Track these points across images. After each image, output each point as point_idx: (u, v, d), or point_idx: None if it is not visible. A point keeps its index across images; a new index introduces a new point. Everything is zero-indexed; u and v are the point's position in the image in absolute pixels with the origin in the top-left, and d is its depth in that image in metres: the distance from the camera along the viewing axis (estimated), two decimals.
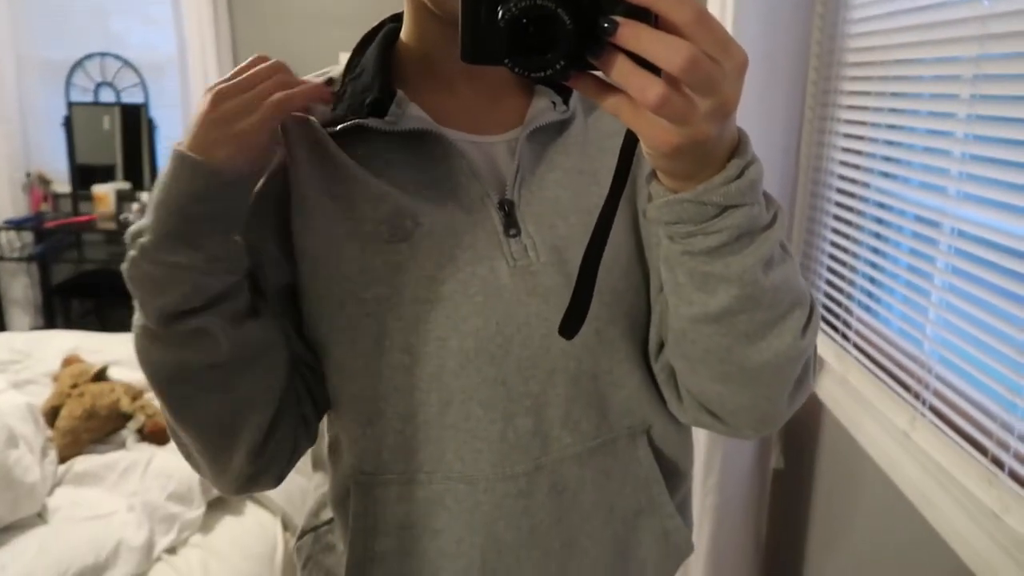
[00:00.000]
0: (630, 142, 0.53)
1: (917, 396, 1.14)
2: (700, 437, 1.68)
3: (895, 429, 1.18)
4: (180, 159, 0.55)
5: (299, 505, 1.65)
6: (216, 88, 0.56)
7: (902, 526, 1.18)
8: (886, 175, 1.28)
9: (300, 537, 0.75)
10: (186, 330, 0.57)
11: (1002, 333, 0.94)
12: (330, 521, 0.72)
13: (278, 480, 0.67)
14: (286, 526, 1.60)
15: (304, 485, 1.71)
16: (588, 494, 0.65)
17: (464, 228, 0.62)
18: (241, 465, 0.63)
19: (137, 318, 0.59)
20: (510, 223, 0.63)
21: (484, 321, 0.61)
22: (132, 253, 0.56)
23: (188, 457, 0.66)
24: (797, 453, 1.63)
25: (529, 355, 0.62)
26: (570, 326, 0.57)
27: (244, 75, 0.57)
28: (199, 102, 0.56)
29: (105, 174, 3.52)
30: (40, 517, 1.48)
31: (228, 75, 0.58)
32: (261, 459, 0.63)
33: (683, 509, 0.73)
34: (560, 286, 0.62)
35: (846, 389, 1.38)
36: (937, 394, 1.10)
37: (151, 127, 3.61)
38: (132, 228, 0.57)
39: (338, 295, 0.62)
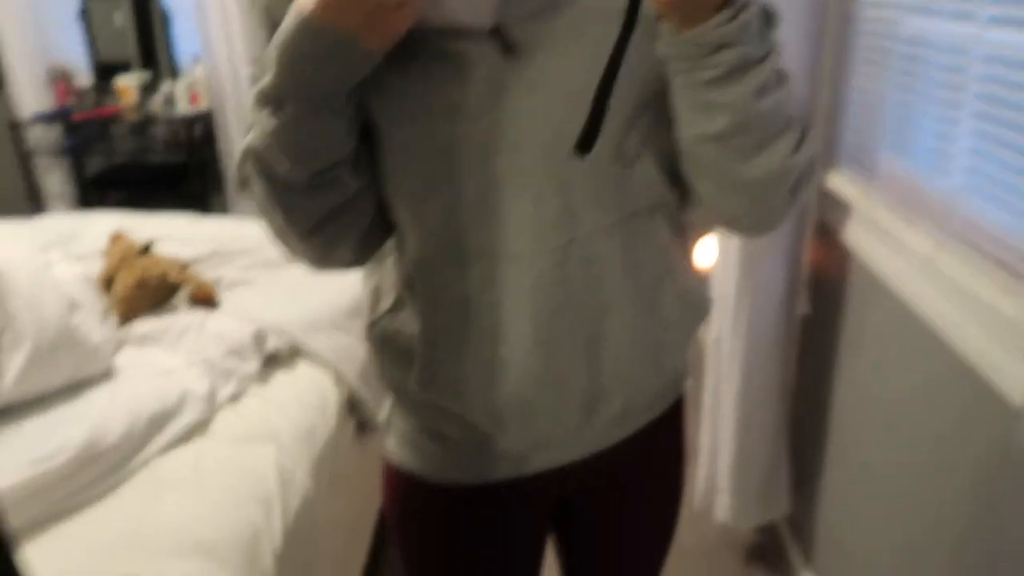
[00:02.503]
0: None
1: (942, 224, 1.17)
2: (729, 284, 1.73)
3: (920, 260, 1.22)
4: (336, 39, 0.61)
5: (346, 360, 1.74)
6: None
7: (927, 358, 1.23)
8: (915, 9, 1.26)
9: (371, 328, 0.82)
10: (326, 180, 0.69)
11: None
12: (391, 309, 0.79)
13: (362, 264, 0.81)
14: (337, 379, 1.69)
15: (350, 343, 1.80)
16: (617, 262, 0.74)
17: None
18: (340, 260, 0.77)
19: (270, 173, 0.68)
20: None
21: (511, 118, 0.68)
22: (276, 122, 0.64)
23: (291, 253, 0.78)
24: (824, 299, 1.68)
25: (552, 143, 0.68)
26: (585, 143, 0.64)
27: None
28: None
29: (121, 69, 3.52)
30: (107, 375, 1.58)
31: None
32: (356, 253, 0.76)
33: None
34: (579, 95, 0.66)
35: (872, 230, 1.40)
36: (964, 221, 1.12)
37: (165, 18, 3.57)
38: (267, 93, 0.64)
39: (397, 92, 0.69)
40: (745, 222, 0.76)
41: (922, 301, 1.20)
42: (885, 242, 1.35)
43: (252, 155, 0.69)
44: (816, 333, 1.73)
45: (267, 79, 0.64)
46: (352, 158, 0.70)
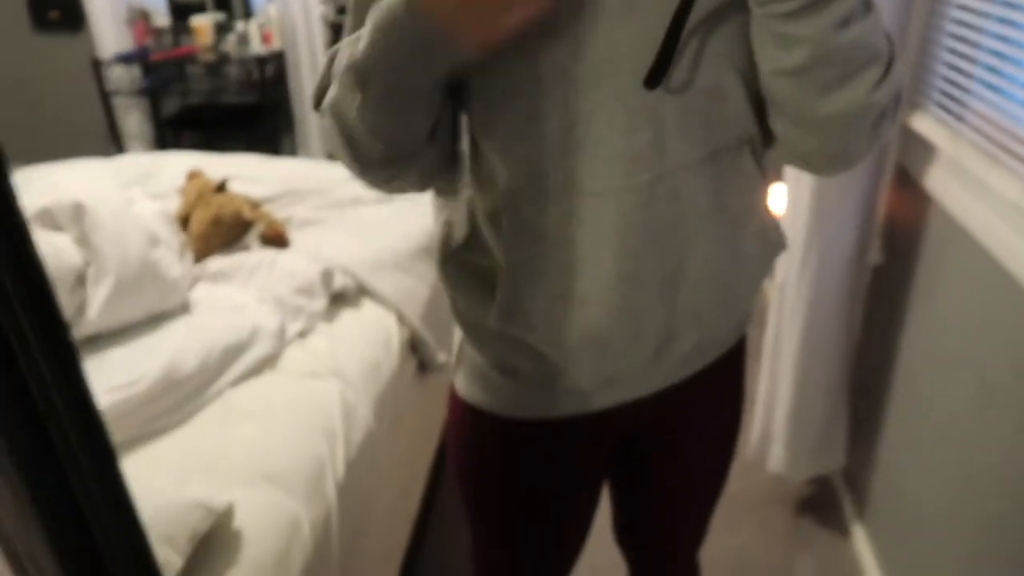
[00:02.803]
0: None
1: None
2: (798, 232, 1.68)
3: (1007, 205, 1.16)
4: (436, 33, 0.60)
5: (408, 301, 1.77)
6: None
7: (1007, 308, 1.18)
8: None
9: (445, 262, 0.82)
10: (402, 152, 0.70)
11: None
12: (466, 243, 0.80)
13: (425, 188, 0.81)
14: (400, 319, 1.73)
15: (414, 285, 1.83)
16: (703, 197, 0.73)
17: None
18: (400, 189, 0.77)
19: (348, 134, 0.68)
20: None
21: (601, 48, 0.66)
22: (360, 96, 0.64)
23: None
24: (898, 249, 1.62)
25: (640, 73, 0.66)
26: (654, 76, 0.64)
27: None
28: None
29: (196, 9, 3.57)
30: (184, 309, 1.65)
31: None
32: (419, 186, 0.78)
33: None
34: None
35: (957, 174, 1.34)
36: None
37: None
38: (356, 65, 0.63)
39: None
40: (822, 160, 0.73)
41: (1006, 249, 1.15)
42: (970, 188, 1.29)
43: (332, 111, 0.68)
44: (887, 284, 1.68)
45: (359, 48, 0.63)
46: (430, 130, 0.69)
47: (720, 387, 0.95)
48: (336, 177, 2.21)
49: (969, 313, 1.31)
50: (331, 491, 1.27)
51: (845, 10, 0.59)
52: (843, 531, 1.90)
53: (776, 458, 1.88)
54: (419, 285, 1.85)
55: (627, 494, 1.09)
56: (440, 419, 1.91)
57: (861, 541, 1.83)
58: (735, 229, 0.77)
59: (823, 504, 1.99)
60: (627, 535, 1.16)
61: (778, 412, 1.86)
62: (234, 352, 1.49)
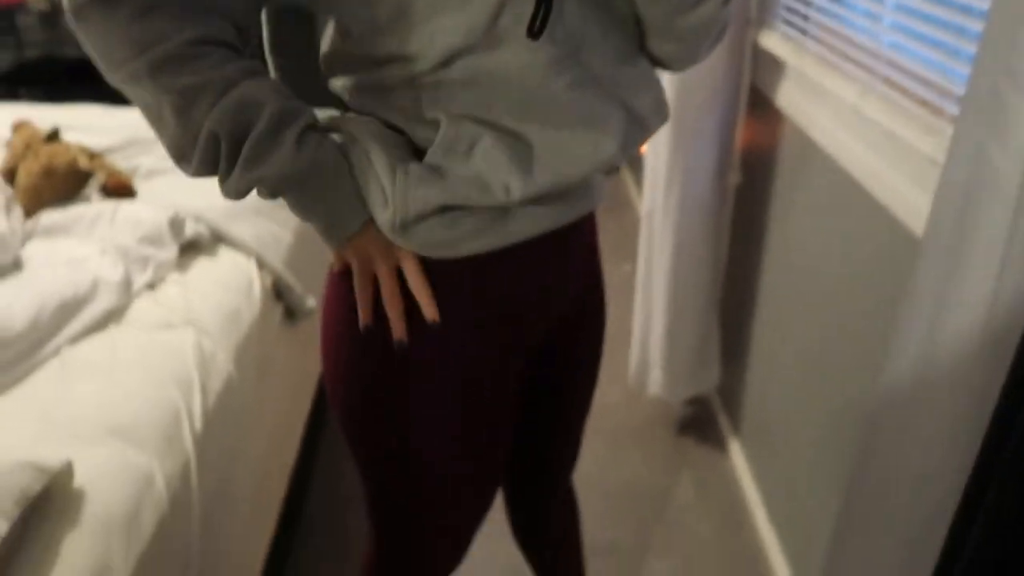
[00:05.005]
0: None
1: (870, 70, 1.14)
2: (661, 160, 1.69)
3: (847, 108, 1.19)
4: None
5: (270, 246, 1.68)
6: None
7: (851, 211, 1.22)
8: None
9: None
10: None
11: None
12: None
13: None
14: (260, 265, 1.64)
15: (274, 229, 1.74)
16: (598, 38, 0.72)
17: None
18: None
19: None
20: None
21: None
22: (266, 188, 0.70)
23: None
24: (757, 166, 1.66)
25: None
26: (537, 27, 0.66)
27: None
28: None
29: None
30: (16, 267, 1.50)
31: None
32: None
33: None
34: None
35: (804, 86, 1.37)
36: (889, 63, 1.09)
37: None
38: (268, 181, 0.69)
39: None
40: (675, 64, 0.81)
41: (847, 152, 1.19)
42: (815, 97, 1.32)
43: (181, 95, 0.65)
44: (749, 204, 1.72)
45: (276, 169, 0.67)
46: None
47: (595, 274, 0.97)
48: None
49: (819, 222, 1.36)
50: (188, 442, 1.19)
51: None
52: (721, 447, 1.98)
53: (655, 382, 1.93)
54: (282, 230, 1.76)
55: (530, 411, 1.05)
56: (314, 368, 1.84)
57: (737, 455, 1.91)
58: (633, 56, 0.77)
59: (702, 423, 2.06)
60: (516, 463, 1.13)
61: (653, 338, 1.89)
62: (72, 307, 1.36)
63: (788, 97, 1.44)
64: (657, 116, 0.80)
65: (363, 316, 0.77)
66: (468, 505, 0.94)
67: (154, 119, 0.67)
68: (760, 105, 1.62)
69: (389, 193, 0.70)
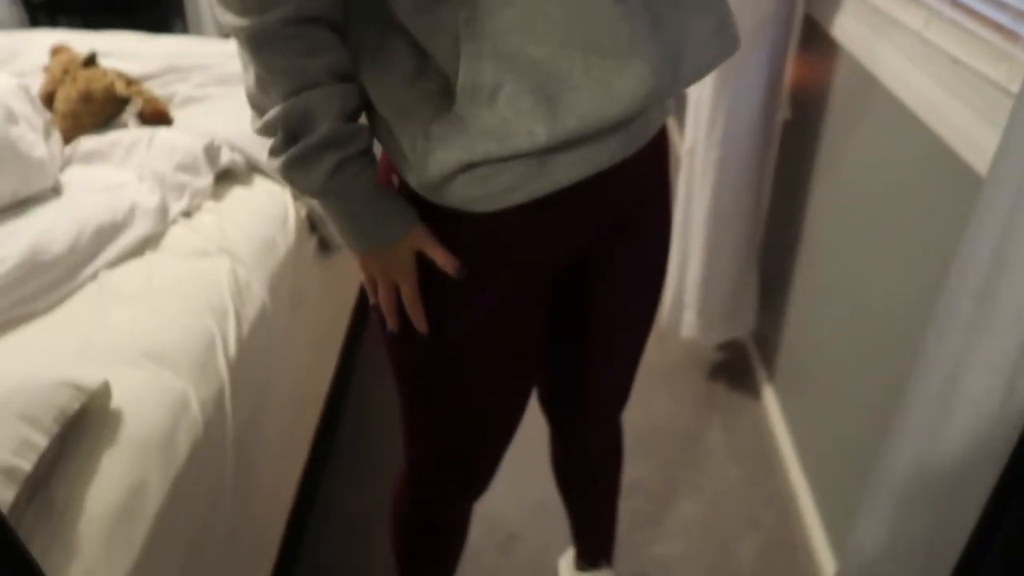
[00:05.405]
0: None
1: None
2: (705, 93, 1.63)
3: (910, 36, 1.12)
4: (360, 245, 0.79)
5: None
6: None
7: (908, 147, 1.16)
8: None
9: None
10: None
11: None
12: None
13: None
14: (295, 196, 1.63)
15: None
16: None
17: None
18: None
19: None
20: None
21: None
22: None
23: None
24: (808, 102, 1.59)
25: None
26: None
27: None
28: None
29: None
30: (55, 191, 1.51)
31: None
32: None
33: None
34: None
35: (863, 14, 1.29)
36: None
37: None
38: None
39: None
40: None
41: (908, 86, 1.12)
42: (876, 26, 1.25)
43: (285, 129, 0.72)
44: (797, 142, 1.65)
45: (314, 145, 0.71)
46: None
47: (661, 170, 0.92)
48: (222, 52, 2.04)
49: (873, 161, 1.30)
50: (223, 368, 1.20)
51: None
52: (754, 393, 1.95)
53: (689, 325, 1.89)
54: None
55: (567, 340, 1.03)
56: (348, 300, 1.84)
57: (771, 402, 1.88)
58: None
59: (735, 368, 2.03)
60: (560, 395, 1.12)
61: (690, 278, 1.85)
62: (110, 232, 1.37)
63: (845, 26, 1.36)
64: (718, 41, 0.74)
65: (390, 323, 0.86)
66: (497, 415, 0.96)
67: (244, 67, 0.73)
68: (813, 36, 1.54)
69: (412, 160, 0.73)
